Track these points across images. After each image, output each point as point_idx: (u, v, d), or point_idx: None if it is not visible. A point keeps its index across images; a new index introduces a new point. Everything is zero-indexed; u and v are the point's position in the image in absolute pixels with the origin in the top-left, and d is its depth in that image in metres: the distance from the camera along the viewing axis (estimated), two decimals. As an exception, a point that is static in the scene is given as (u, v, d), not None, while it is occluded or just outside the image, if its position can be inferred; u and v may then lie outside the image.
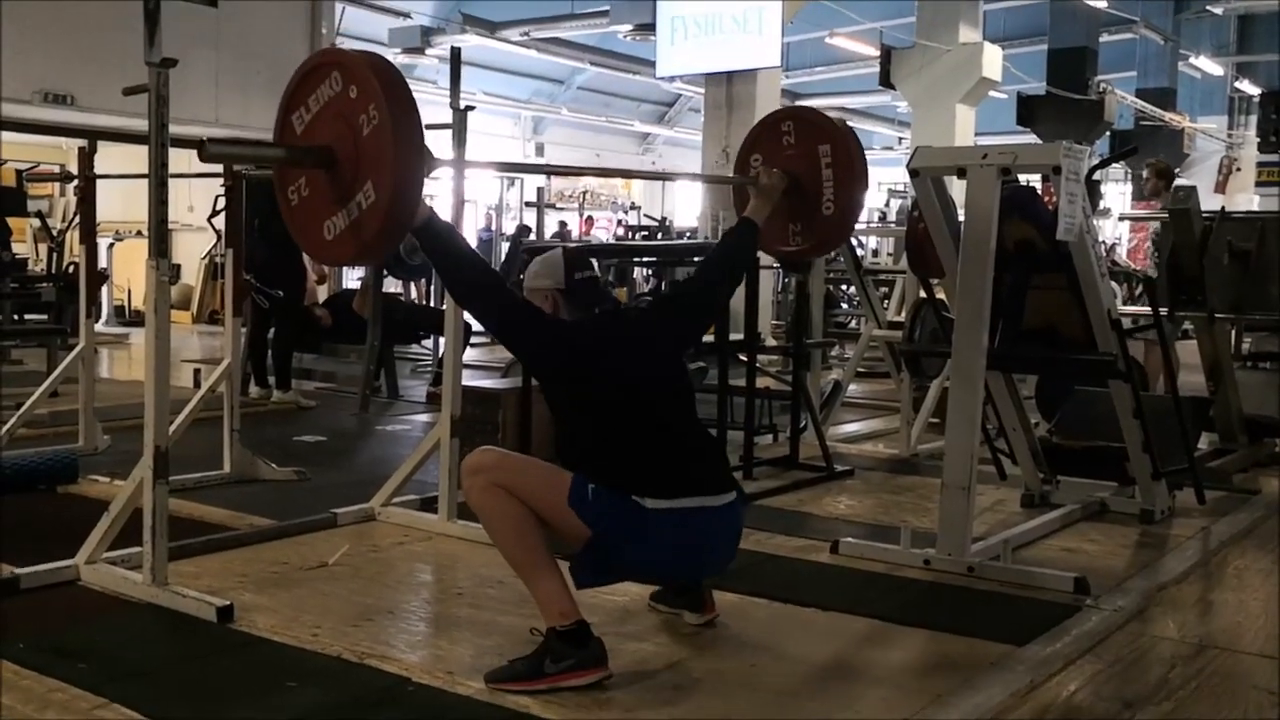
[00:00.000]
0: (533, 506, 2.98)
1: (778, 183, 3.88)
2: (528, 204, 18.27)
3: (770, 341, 10.10)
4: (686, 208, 25.98)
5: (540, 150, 27.90)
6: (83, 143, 5.73)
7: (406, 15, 19.46)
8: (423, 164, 2.95)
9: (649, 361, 3.19)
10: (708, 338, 5.67)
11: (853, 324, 12.48)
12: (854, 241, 9.01)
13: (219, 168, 5.62)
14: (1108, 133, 20.88)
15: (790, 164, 4.03)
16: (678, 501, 2.99)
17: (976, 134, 17.08)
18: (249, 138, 3.50)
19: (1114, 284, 9.53)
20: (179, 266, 13.66)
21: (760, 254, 5.75)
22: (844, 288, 13.06)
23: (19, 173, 10.55)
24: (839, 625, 3.48)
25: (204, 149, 3.04)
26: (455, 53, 4.61)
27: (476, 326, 12.25)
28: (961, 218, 4.17)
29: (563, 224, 20.58)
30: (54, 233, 11.00)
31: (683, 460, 3.08)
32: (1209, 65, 24.66)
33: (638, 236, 18.78)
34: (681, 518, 2.99)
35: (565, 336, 3.15)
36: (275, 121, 3.16)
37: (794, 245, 4.22)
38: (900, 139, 27.24)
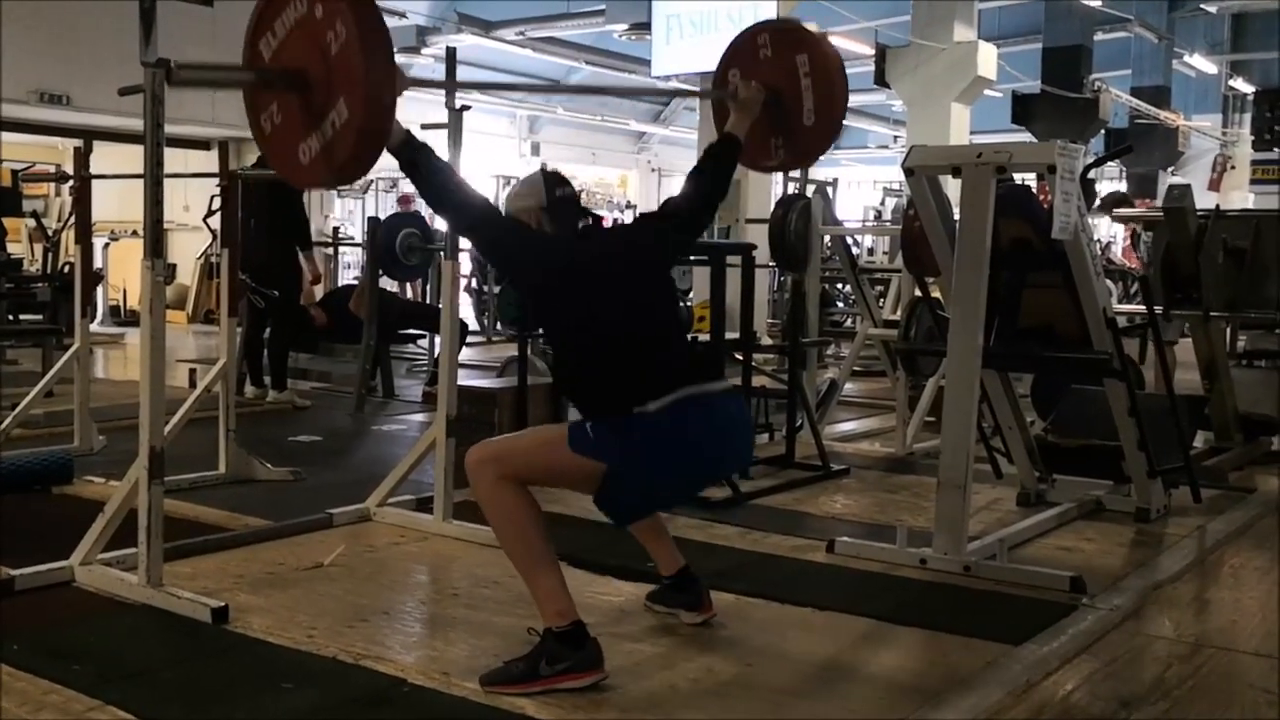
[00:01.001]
0: (544, 476, 3.02)
1: (756, 95, 3.74)
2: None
3: (766, 340, 10.11)
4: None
5: (536, 149, 27.81)
6: (78, 142, 5.73)
7: (402, 14, 19.38)
8: (394, 77, 2.94)
9: (642, 273, 3.20)
10: (704, 337, 5.69)
11: (848, 323, 12.50)
12: (849, 240, 9.01)
13: (215, 168, 5.64)
14: (1102, 131, 20.87)
15: (768, 77, 3.88)
16: (675, 394, 2.98)
17: (971, 133, 17.06)
18: (220, 62, 3.51)
19: (1109, 282, 9.54)
20: (174, 266, 13.65)
21: (756, 255, 5.77)
22: (839, 286, 13.08)
23: (14, 172, 10.53)
24: (835, 625, 3.48)
25: (171, 73, 3.07)
26: (450, 52, 4.61)
27: (473, 325, 12.19)
28: (957, 216, 4.16)
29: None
30: (49, 233, 10.96)
31: (676, 374, 3.05)
32: (1203, 63, 24.66)
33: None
34: (684, 407, 2.97)
35: (557, 245, 3.15)
36: (243, 49, 3.13)
37: (776, 159, 4.10)
38: (895, 138, 27.21)
